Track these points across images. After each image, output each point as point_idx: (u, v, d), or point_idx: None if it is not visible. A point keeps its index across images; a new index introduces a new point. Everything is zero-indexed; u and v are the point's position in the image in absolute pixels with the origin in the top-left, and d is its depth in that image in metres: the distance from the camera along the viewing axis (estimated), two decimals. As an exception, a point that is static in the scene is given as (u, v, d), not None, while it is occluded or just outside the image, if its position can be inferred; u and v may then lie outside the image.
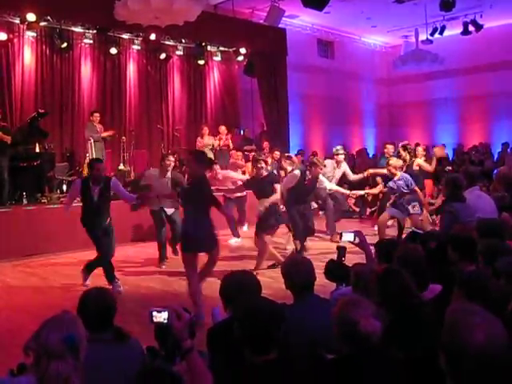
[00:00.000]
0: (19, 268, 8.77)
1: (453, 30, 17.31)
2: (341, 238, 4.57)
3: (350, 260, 4.48)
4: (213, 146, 13.41)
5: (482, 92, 18.99)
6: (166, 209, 8.58)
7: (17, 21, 12.21)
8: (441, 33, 17.18)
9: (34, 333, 2.21)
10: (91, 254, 9.55)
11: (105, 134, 12.24)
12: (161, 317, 2.50)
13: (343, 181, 11.03)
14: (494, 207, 6.11)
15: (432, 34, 17.24)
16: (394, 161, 8.99)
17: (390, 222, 10.06)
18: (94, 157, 11.45)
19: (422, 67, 17.15)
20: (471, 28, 16.84)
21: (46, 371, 2.10)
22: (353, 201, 13.52)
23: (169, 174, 8.52)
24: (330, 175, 10.24)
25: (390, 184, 8.77)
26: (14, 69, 12.64)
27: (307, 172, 8.67)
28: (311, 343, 2.99)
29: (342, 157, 10.76)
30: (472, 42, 17.79)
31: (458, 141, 19.46)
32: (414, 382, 2.55)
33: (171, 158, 8.76)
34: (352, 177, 10.75)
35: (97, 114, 12.11)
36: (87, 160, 11.66)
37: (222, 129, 13.96)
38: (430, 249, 4.27)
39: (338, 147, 10.96)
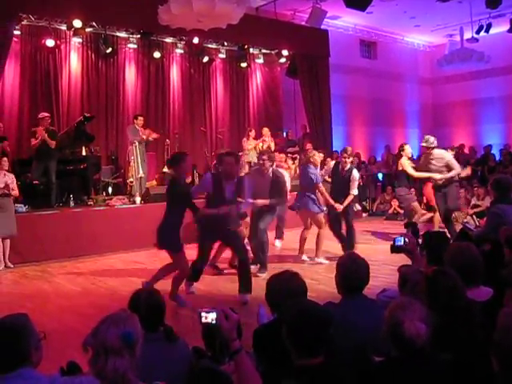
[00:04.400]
0: (67, 269, 8.94)
1: (499, 28, 16.94)
2: (394, 243, 4.53)
3: (397, 262, 4.45)
4: (255, 148, 13.43)
5: (531, 91, 18.54)
6: None
7: (63, 27, 12.50)
8: (487, 31, 16.79)
9: (92, 329, 2.26)
10: (136, 255, 9.74)
11: (152, 137, 12.25)
12: (209, 317, 2.52)
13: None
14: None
15: (478, 32, 16.86)
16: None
17: None
18: (139, 160, 11.52)
19: (468, 66, 16.79)
20: (519, 25, 16.45)
21: (104, 367, 2.14)
22: (397, 203, 13.38)
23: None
24: None
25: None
26: (61, 74, 12.93)
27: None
28: (359, 344, 2.96)
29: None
30: (520, 39, 17.39)
31: (505, 141, 18.99)
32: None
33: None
34: None
35: (141, 118, 12.20)
36: (132, 163, 11.81)
37: (265, 130, 13.96)
38: (485, 251, 4.18)
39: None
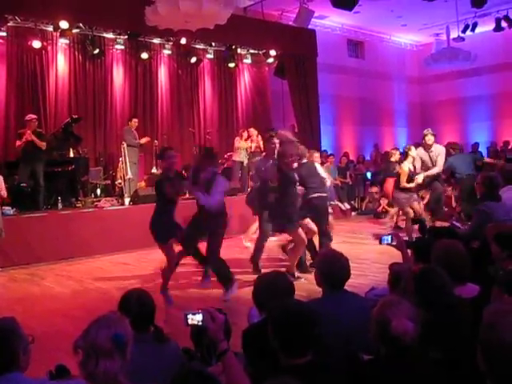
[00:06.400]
0: (56, 271, 8.89)
1: (485, 27, 17.04)
2: (380, 241, 4.53)
3: (386, 260, 4.46)
4: (246, 149, 13.52)
5: (516, 89, 18.66)
6: None
7: (50, 29, 12.40)
8: (473, 30, 16.90)
9: (83, 331, 2.26)
10: (126, 257, 9.72)
11: (143, 141, 12.40)
12: (195, 319, 2.52)
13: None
14: (531, 207, 5.98)
15: (464, 31, 16.97)
16: None
17: None
18: (128, 161, 11.54)
19: (455, 65, 16.87)
20: (504, 24, 16.52)
21: (95, 370, 2.14)
22: (386, 201, 13.42)
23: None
24: None
25: None
26: (48, 75, 12.85)
27: None
28: (346, 342, 2.96)
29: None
30: (505, 38, 17.54)
31: (492, 139, 19.13)
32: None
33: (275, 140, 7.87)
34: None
35: (135, 120, 12.28)
36: (121, 164, 11.82)
37: (251, 130, 13.97)
38: (473, 249, 4.19)
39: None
